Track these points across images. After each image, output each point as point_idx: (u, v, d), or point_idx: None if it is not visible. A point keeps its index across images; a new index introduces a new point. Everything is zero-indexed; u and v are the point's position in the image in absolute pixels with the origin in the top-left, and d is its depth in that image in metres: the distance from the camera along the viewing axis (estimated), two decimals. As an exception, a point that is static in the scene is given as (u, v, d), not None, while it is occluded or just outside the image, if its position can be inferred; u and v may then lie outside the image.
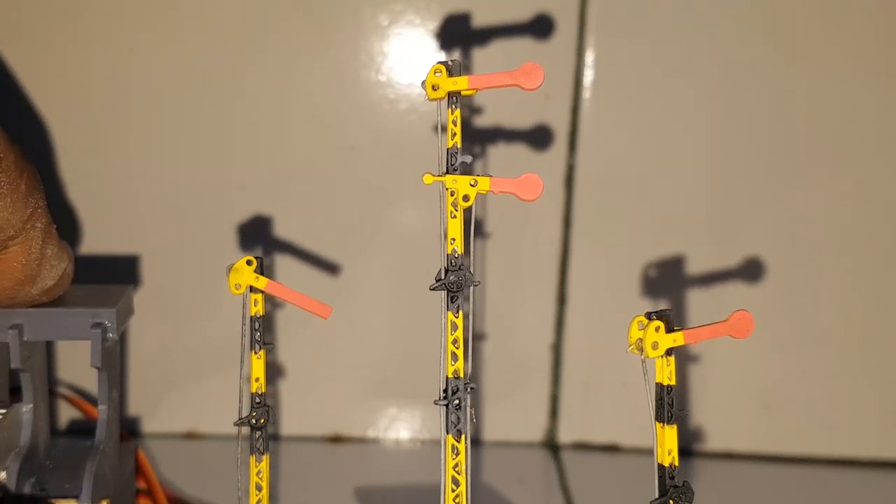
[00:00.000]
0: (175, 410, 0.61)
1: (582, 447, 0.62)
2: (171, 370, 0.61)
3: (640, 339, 0.28)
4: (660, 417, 0.29)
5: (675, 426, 0.29)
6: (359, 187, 0.58)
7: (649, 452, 0.30)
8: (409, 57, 0.57)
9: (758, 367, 0.61)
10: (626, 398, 0.61)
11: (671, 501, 0.28)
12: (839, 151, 0.58)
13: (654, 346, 0.28)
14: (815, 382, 0.61)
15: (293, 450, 0.60)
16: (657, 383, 0.29)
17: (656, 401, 0.29)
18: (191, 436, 0.62)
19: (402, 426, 0.62)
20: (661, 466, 0.29)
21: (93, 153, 0.58)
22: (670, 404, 0.29)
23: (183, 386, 0.61)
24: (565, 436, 0.62)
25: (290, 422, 0.62)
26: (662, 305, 0.60)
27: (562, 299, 0.60)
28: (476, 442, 0.62)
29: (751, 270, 0.59)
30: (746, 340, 0.59)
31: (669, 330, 0.28)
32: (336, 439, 0.62)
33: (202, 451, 0.60)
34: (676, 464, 0.29)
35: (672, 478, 0.29)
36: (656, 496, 0.29)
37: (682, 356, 0.60)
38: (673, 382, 0.29)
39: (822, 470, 0.61)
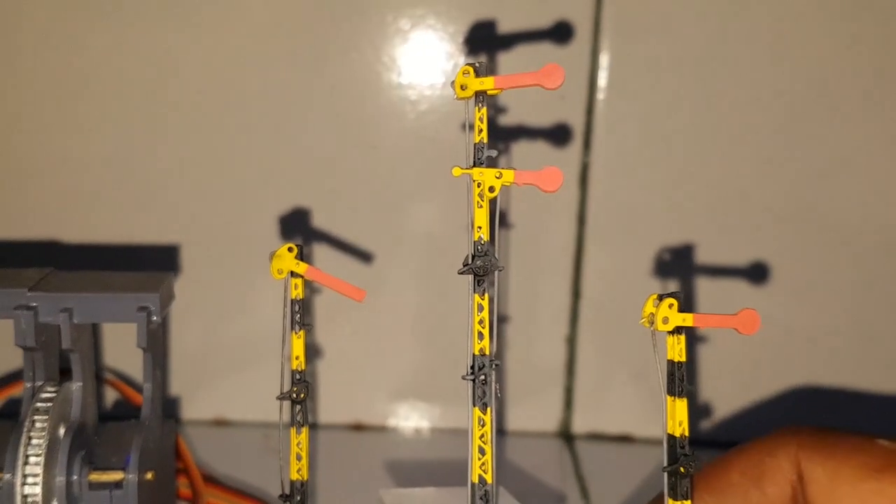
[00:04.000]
0: (205, 398, 0.63)
1: (596, 437, 0.64)
2: (202, 361, 0.62)
3: (653, 314, 0.30)
4: (671, 391, 0.31)
5: (685, 399, 0.30)
6: (380, 185, 0.60)
7: (661, 442, 0.31)
8: (429, 59, 0.58)
9: (771, 359, 0.62)
10: (638, 390, 0.62)
11: (682, 468, 0.30)
12: (853, 148, 0.59)
13: (665, 320, 0.30)
14: (827, 373, 0.62)
15: (317, 436, 0.62)
16: (669, 360, 0.31)
17: (668, 376, 0.30)
18: (219, 422, 0.64)
19: (423, 416, 0.64)
20: (671, 437, 0.30)
21: (136, 149, 0.60)
22: (681, 379, 0.30)
23: (213, 375, 0.63)
24: (579, 426, 0.64)
25: (315, 411, 0.63)
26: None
27: (576, 293, 0.62)
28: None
29: (763, 265, 0.60)
30: (760, 335, 0.61)
31: (681, 310, 0.30)
32: (358, 427, 0.64)
33: (231, 436, 0.62)
34: (687, 434, 0.30)
35: (683, 447, 0.30)
36: (665, 465, 0.30)
37: (694, 349, 0.62)
38: (683, 359, 0.30)
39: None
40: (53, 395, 0.38)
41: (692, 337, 0.61)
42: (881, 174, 0.60)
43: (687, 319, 0.30)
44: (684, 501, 0.30)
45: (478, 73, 0.33)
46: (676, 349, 0.31)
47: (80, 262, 0.59)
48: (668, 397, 0.30)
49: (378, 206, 0.60)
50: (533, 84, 0.33)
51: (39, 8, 0.57)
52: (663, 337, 0.32)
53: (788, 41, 0.58)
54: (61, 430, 0.38)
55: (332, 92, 0.59)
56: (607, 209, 0.60)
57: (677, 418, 0.30)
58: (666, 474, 0.30)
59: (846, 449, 0.29)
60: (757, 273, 0.60)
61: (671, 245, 0.60)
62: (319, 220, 0.60)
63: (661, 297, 0.30)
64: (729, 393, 0.63)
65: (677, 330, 0.31)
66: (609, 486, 0.58)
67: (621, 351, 0.62)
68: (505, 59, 0.57)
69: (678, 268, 0.61)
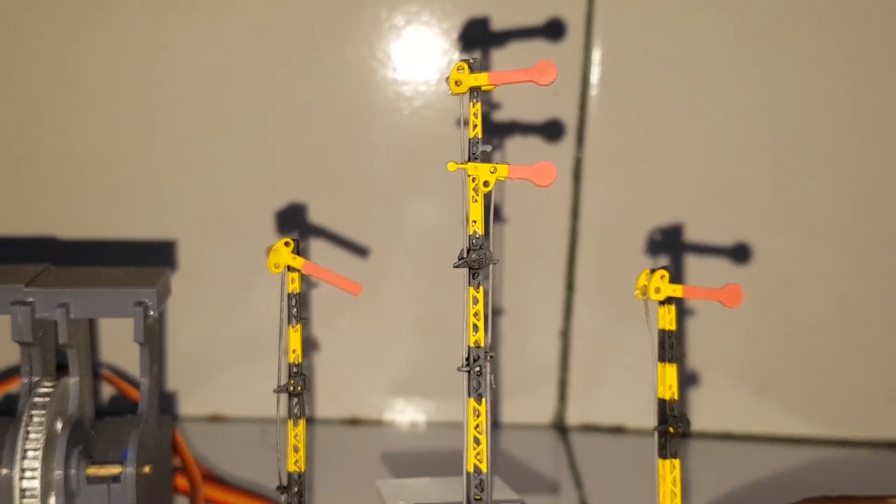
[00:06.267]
0: (201, 394, 0.63)
1: (589, 429, 0.64)
2: (198, 357, 0.63)
3: (646, 286, 0.32)
4: (662, 358, 0.32)
5: (675, 365, 0.32)
6: (375, 180, 0.60)
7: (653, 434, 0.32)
8: (423, 56, 0.59)
9: (757, 350, 0.63)
10: (631, 382, 0.62)
11: (671, 428, 0.31)
12: (841, 144, 0.60)
13: (657, 290, 0.31)
14: (813, 365, 0.63)
15: (313, 431, 0.62)
16: (660, 329, 0.32)
17: (659, 343, 0.32)
18: (216, 418, 0.64)
19: (418, 410, 0.64)
20: (661, 400, 0.32)
21: (131, 145, 0.60)
22: (671, 347, 0.32)
23: (209, 371, 0.63)
24: (573, 418, 0.64)
25: (310, 405, 0.64)
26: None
27: (570, 287, 0.62)
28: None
29: (753, 259, 0.61)
30: (746, 323, 0.62)
31: (671, 282, 0.32)
32: (354, 422, 0.64)
33: (228, 432, 0.62)
34: (676, 398, 0.32)
35: (672, 409, 0.32)
36: (656, 425, 0.32)
37: (682, 340, 0.63)
38: (673, 328, 0.32)
39: (820, 450, 0.62)
40: (51, 390, 0.39)
41: (683, 339, 0.62)
42: (874, 164, 0.60)
43: (677, 290, 0.32)
44: (673, 460, 0.31)
45: (472, 70, 0.33)
46: (667, 319, 0.32)
47: (76, 258, 0.60)
48: (659, 363, 0.32)
49: (373, 202, 0.61)
50: (526, 80, 0.33)
51: (35, 3, 0.58)
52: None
53: (780, 36, 0.59)
54: (59, 425, 0.38)
55: (326, 87, 0.59)
56: (600, 203, 0.61)
57: (667, 382, 0.32)
58: (656, 433, 0.31)
59: None
60: (751, 263, 0.61)
61: (665, 239, 0.61)
62: (315, 216, 0.61)
63: (652, 271, 0.32)
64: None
65: (668, 300, 0.32)
66: (602, 475, 0.58)
67: (615, 344, 0.63)
68: (499, 55, 0.58)
69: (672, 262, 0.61)
